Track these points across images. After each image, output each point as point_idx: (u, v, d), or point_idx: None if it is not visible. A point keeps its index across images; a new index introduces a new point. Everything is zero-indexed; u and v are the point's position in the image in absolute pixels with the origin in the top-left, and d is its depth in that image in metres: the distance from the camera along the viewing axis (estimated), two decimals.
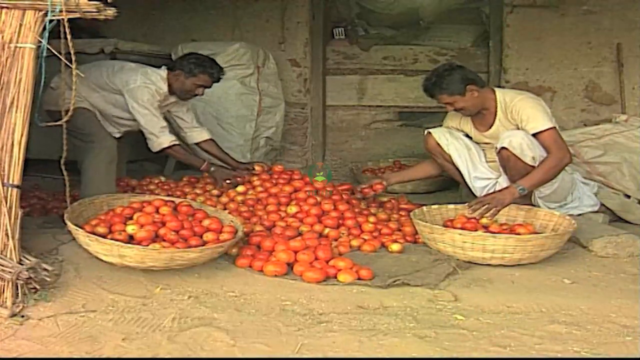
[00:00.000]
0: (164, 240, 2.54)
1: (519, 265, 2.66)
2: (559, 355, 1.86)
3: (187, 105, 3.77)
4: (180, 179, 3.85)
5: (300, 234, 2.95)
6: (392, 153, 5.44)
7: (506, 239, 2.62)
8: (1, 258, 2.13)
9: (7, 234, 2.16)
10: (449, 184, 4.34)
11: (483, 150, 3.43)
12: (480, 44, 5.37)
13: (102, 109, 3.50)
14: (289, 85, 5.20)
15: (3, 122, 2.21)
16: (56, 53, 2.23)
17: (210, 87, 3.58)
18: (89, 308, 2.14)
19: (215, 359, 1.83)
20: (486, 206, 2.98)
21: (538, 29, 4.89)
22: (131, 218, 2.68)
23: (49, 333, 1.95)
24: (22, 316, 2.05)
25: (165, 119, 3.57)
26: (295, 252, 2.60)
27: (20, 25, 2.22)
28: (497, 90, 3.31)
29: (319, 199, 3.29)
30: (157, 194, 3.32)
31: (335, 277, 2.47)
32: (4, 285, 2.11)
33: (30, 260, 2.20)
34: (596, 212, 3.41)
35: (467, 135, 3.45)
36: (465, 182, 3.42)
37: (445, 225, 2.97)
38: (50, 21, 2.20)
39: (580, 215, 3.30)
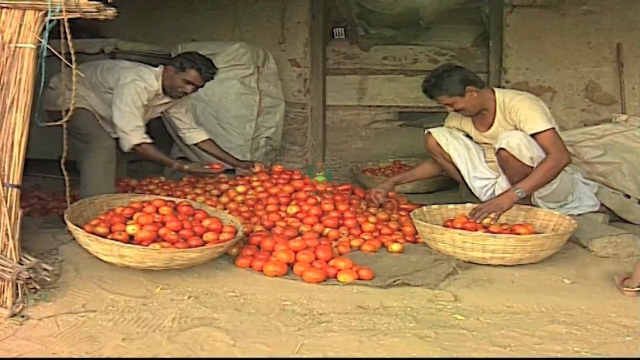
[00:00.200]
0: (164, 240, 2.55)
1: (519, 265, 2.66)
2: (559, 355, 1.86)
3: (186, 107, 3.75)
4: (180, 179, 3.85)
5: (300, 234, 2.95)
6: (392, 153, 5.43)
7: (506, 239, 2.62)
8: (1, 258, 2.13)
9: (7, 234, 2.17)
10: (449, 184, 4.34)
11: (483, 150, 3.42)
12: (480, 44, 5.36)
13: (98, 108, 3.48)
14: (289, 85, 5.19)
15: (3, 122, 2.21)
16: (56, 53, 2.24)
17: (201, 86, 3.49)
18: (89, 308, 2.15)
19: (215, 359, 1.83)
20: (485, 214, 2.96)
21: (538, 29, 4.88)
22: (131, 218, 2.68)
23: (49, 333, 1.96)
24: (22, 316, 2.06)
25: (163, 119, 3.54)
26: (295, 252, 2.60)
27: (20, 25, 2.22)
28: (497, 90, 3.30)
29: (319, 198, 3.29)
30: (157, 194, 3.32)
31: (335, 277, 2.48)
32: (4, 285, 2.11)
33: (30, 260, 2.20)
34: (596, 212, 3.41)
35: (468, 135, 3.45)
36: (465, 182, 3.42)
37: (445, 225, 2.97)
38: (50, 21, 2.20)
39: (580, 215, 3.29)
